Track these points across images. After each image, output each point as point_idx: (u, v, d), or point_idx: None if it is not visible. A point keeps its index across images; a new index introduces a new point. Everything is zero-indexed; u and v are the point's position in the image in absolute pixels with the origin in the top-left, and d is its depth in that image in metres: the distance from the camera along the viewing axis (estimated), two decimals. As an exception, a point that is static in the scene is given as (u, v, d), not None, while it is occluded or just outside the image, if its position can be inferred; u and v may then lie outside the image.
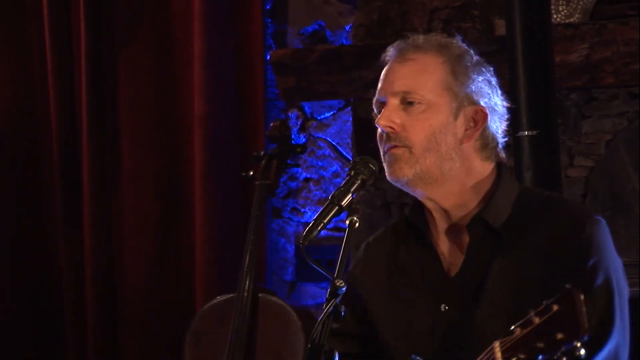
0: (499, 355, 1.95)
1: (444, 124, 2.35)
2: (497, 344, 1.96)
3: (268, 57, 4.61)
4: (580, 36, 4.04)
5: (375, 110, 2.43)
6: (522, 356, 1.91)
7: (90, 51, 4.75)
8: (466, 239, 2.39)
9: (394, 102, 2.36)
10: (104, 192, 4.80)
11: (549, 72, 3.56)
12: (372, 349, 2.51)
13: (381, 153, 2.39)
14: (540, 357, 1.88)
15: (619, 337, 2.27)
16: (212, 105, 4.58)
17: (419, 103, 2.35)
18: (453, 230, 2.41)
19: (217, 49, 4.60)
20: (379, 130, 2.38)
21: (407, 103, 2.35)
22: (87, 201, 4.78)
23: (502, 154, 2.44)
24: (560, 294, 1.88)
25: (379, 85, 2.42)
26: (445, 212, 2.41)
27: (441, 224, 2.42)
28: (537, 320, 1.90)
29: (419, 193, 2.40)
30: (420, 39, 2.42)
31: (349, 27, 4.65)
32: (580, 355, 1.85)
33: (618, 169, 4.21)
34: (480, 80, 2.38)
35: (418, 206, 2.46)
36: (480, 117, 2.38)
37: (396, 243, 2.50)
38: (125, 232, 4.82)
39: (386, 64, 2.43)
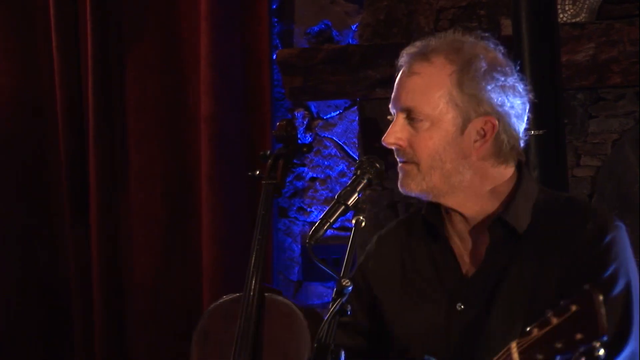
0: (516, 355, 1.93)
1: (448, 141, 2.33)
2: (514, 345, 1.94)
3: (274, 57, 4.62)
4: (587, 36, 4.04)
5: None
6: (540, 356, 1.89)
7: (97, 51, 4.75)
8: (485, 240, 2.38)
9: (401, 116, 2.36)
10: (111, 192, 4.81)
11: (555, 72, 3.56)
12: (378, 344, 2.50)
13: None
14: (558, 357, 1.86)
15: (636, 343, 2.27)
16: (219, 104, 4.58)
17: (422, 120, 2.33)
18: (472, 232, 2.41)
19: (224, 49, 4.61)
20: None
21: (411, 119, 2.34)
22: (94, 201, 4.79)
23: (521, 153, 2.41)
24: (578, 294, 1.87)
25: (393, 92, 2.41)
26: (463, 216, 2.40)
27: (460, 227, 2.42)
28: (554, 320, 1.88)
29: (433, 201, 2.41)
30: (432, 43, 2.37)
31: (355, 26, 4.65)
32: (599, 355, 1.83)
33: (625, 168, 4.20)
34: (490, 88, 2.34)
35: (435, 204, 2.45)
36: (489, 127, 2.35)
37: (409, 239, 2.50)
38: (132, 231, 4.82)
39: (400, 67, 2.41)
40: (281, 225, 4.78)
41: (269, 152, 4.04)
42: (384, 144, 2.36)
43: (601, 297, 1.84)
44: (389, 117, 2.41)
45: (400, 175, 2.36)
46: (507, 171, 2.40)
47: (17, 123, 4.93)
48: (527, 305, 2.28)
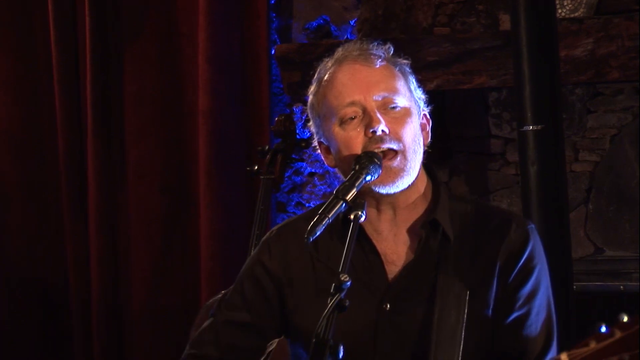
0: None
1: (417, 127, 2.39)
2: (564, 356, 1.90)
3: (273, 52, 4.61)
4: (585, 31, 4.04)
5: (335, 115, 2.39)
6: None
7: (95, 46, 4.75)
8: (411, 239, 2.40)
9: (374, 106, 2.36)
10: (110, 188, 4.81)
11: (554, 67, 3.57)
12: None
13: (359, 152, 2.36)
14: None
15: (557, 341, 2.36)
16: (217, 100, 4.58)
17: (399, 107, 2.37)
18: (398, 231, 2.41)
19: (222, 44, 4.60)
20: (367, 132, 2.34)
21: (388, 107, 2.36)
22: (92, 196, 4.78)
23: None
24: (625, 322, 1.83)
25: (340, 88, 2.40)
26: (395, 213, 2.41)
27: (386, 225, 2.42)
28: (619, 333, 1.83)
29: (393, 195, 2.38)
30: (364, 45, 2.44)
31: (353, 21, 4.65)
32: None
33: (623, 163, 4.20)
34: (417, 85, 2.44)
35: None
36: (427, 120, 2.45)
37: (321, 237, 2.30)
38: (130, 227, 4.82)
39: (334, 67, 2.45)
40: (279, 220, 4.78)
41: (267, 147, 4.04)
42: (374, 130, 2.32)
43: None
44: (349, 116, 2.37)
45: (389, 174, 2.34)
46: (422, 170, 2.44)
47: (15, 119, 4.93)
48: (455, 305, 2.31)
